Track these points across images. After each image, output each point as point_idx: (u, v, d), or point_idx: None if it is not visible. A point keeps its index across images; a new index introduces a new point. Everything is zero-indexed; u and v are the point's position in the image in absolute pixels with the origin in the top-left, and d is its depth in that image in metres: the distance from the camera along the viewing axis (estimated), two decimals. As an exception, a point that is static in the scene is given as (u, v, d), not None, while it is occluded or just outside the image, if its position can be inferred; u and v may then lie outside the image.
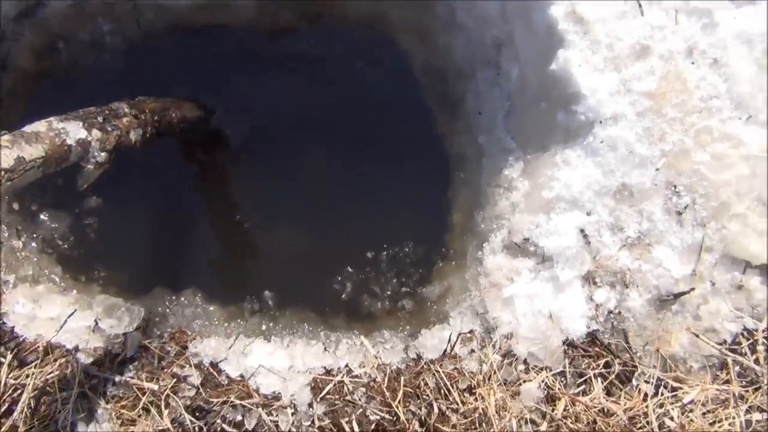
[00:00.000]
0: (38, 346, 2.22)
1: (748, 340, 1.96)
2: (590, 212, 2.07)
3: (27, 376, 2.14)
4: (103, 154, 2.26)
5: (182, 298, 2.46)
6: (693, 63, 2.04)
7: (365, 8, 2.66)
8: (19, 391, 2.12)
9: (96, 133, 2.26)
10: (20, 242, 2.54)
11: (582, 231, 2.08)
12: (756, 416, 1.88)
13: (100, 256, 2.60)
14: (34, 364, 2.18)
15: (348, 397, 2.13)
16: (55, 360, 2.20)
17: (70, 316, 2.31)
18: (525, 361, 2.05)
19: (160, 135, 2.65)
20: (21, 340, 2.23)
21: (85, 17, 2.65)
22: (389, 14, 2.70)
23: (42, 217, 2.62)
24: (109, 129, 2.33)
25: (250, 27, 2.78)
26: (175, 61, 2.78)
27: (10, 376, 2.15)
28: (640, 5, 2.06)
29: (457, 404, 1.99)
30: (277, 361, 2.25)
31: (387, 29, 2.71)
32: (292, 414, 2.12)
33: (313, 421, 2.10)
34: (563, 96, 2.11)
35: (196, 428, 2.07)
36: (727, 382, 1.92)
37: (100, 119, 2.30)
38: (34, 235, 2.57)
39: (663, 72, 2.04)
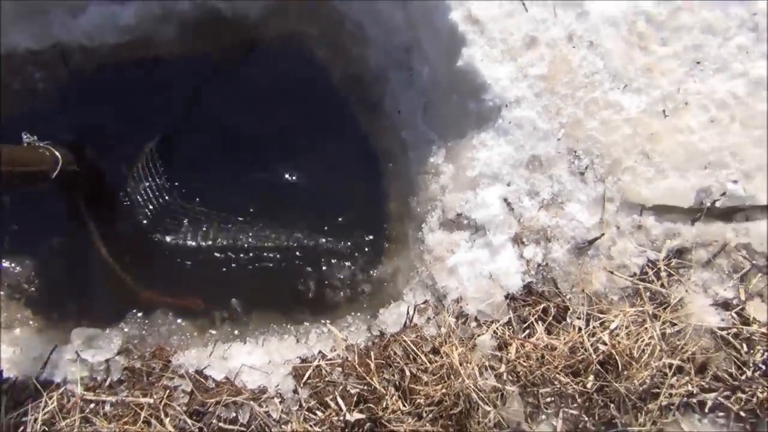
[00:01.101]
0: (29, 385, 2.36)
1: (652, 269, 2.36)
2: (509, 183, 2.42)
3: (25, 414, 2.28)
4: None
5: (155, 319, 2.64)
6: (574, 47, 2.42)
7: (282, 29, 2.90)
8: (21, 428, 2.26)
9: None
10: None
11: (505, 200, 2.42)
12: (668, 330, 2.28)
13: (64, 292, 2.73)
14: (26, 402, 2.32)
15: (327, 378, 2.39)
16: (49, 395, 2.35)
17: (51, 352, 2.46)
18: (476, 319, 2.37)
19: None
20: (12, 381, 2.35)
21: (14, 69, 2.76)
22: (306, 32, 2.96)
23: (4, 264, 2.72)
24: None
25: (175, 58, 2.95)
26: (105, 98, 2.92)
27: (8, 416, 2.28)
28: (524, 4, 2.42)
29: (425, 364, 2.29)
30: (256, 358, 2.48)
31: (304, 46, 2.95)
32: (280, 402, 2.36)
33: (300, 405, 2.35)
34: (471, 87, 2.45)
35: (196, 430, 2.28)
36: (642, 305, 2.31)
37: None
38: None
39: (551, 57, 2.42)
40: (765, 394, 2.19)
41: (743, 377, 2.22)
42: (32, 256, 2.76)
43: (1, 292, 2.66)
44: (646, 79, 2.40)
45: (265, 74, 3.01)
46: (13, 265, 2.75)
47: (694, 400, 2.25)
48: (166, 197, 2.97)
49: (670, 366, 2.22)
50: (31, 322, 2.61)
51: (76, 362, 2.44)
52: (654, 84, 2.39)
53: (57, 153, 2.68)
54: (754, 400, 2.20)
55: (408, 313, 2.45)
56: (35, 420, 2.25)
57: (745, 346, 2.26)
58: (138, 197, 2.95)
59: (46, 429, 2.25)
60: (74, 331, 2.53)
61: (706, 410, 2.25)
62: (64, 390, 2.33)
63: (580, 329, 2.29)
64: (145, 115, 2.93)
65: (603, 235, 2.36)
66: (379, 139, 2.93)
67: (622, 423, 2.20)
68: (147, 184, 2.94)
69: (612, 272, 2.36)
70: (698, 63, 2.39)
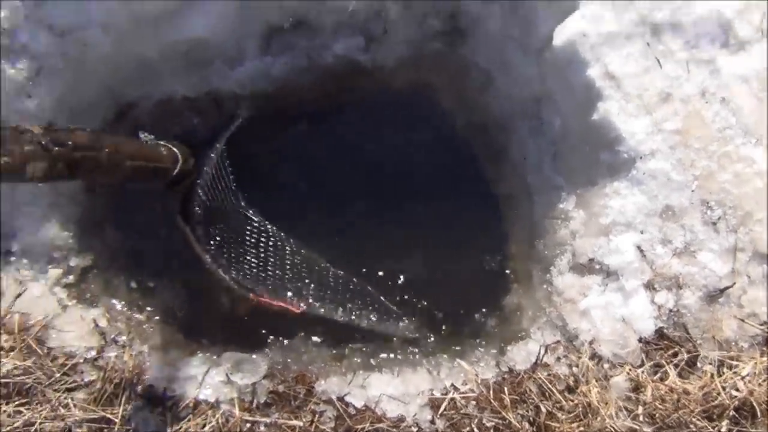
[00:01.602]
0: (189, 403, 2.56)
1: (784, 318, 2.44)
2: (643, 231, 2.54)
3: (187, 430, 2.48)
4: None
5: (297, 346, 2.83)
6: (707, 102, 2.54)
7: (409, 77, 3.09)
8: (184, 443, 2.45)
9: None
10: (143, 316, 2.88)
11: (638, 247, 2.54)
12: (800, 377, 2.34)
13: (214, 320, 2.94)
14: (187, 418, 2.53)
15: (463, 411, 2.52)
16: (203, 413, 2.54)
17: (206, 373, 2.66)
18: (609, 360, 2.48)
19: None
20: (173, 399, 2.56)
21: (172, 113, 3.03)
22: (431, 81, 3.15)
23: (158, 291, 2.96)
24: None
25: (312, 101, 3.17)
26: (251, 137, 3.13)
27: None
28: (658, 61, 2.56)
29: (561, 402, 2.41)
30: (394, 388, 2.63)
31: (430, 94, 3.14)
32: (418, 431, 2.50)
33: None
34: (605, 139, 2.59)
35: (344, 453, 2.44)
36: (774, 353, 2.39)
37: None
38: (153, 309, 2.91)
39: (685, 112, 2.54)
40: None
41: None
42: (174, 277, 2.98)
43: (156, 317, 2.89)
44: (778, 134, 2.50)
45: (393, 119, 3.21)
46: (163, 292, 2.99)
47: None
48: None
49: (804, 414, 2.28)
50: (183, 345, 2.83)
51: (227, 384, 2.64)
52: (787, 140, 2.49)
53: (177, 151, 2.79)
54: None
55: (540, 351, 2.57)
56: (200, 437, 2.45)
57: None
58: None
59: (209, 445, 2.44)
60: (224, 355, 2.74)
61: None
62: (223, 410, 2.51)
63: (712, 375, 2.37)
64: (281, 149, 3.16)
65: (734, 284, 2.45)
66: (502, 185, 3.09)
67: (756, 468, 2.27)
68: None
69: (743, 320, 2.44)
70: (831, 120, 2.48)
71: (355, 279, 3.02)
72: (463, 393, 2.57)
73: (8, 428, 2.28)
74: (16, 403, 2.35)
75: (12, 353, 2.38)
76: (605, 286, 2.57)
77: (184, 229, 2.84)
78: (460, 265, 3.11)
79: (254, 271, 3.05)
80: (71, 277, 2.79)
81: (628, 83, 2.56)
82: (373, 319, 2.86)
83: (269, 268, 3.09)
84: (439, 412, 2.53)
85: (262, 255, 3.09)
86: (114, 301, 2.84)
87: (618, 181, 2.59)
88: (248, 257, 3.07)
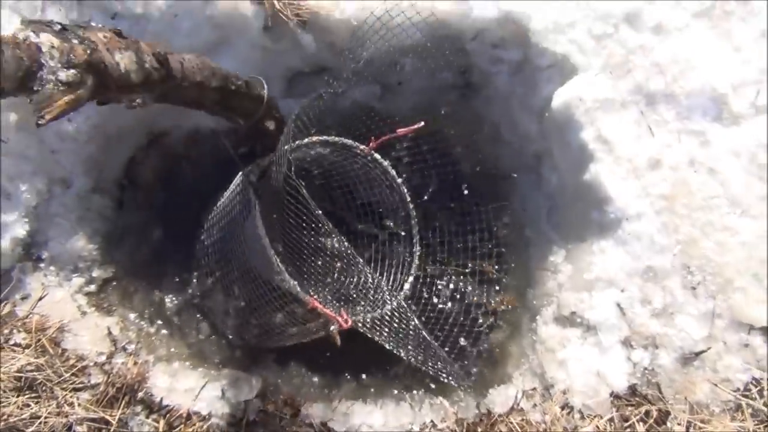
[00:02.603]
0: (182, 413, 2.75)
1: (756, 387, 2.49)
2: (623, 289, 2.64)
3: (177, 438, 2.66)
4: (69, 71, 1.76)
5: (290, 370, 3.00)
6: (695, 171, 2.64)
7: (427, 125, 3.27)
8: (174, 451, 2.64)
9: (48, 38, 1.75)
10: (153, 328, 3.09)
11: (618, 304, 2.64)
12: (767, 448, 2.39)
13: (219, 338, 3.14)
14: (178, 428, 2.71)
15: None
16: (193, 424, 2.73)
17: (202, 387, 2.85)
18: (579, 411, 2.57)
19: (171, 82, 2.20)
20: (169, 408, 2.75)
21: (201, 142, 3.27)
22: (445, 132, 3.33)
23: (168, 305, 3.19)
24: (74, 40, 1.81)
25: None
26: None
27: (162, 438, 2.67)
28: (650, 129, 2.68)
29: (530, 449, 2.51)
30: (375, 419, 2.76)
31: (442, 142, 3.31)
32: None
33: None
34: (596, 198, 2.71)
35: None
36: (743, 421, 2.44)
37: (56, 27, 1.81)
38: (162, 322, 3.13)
39: (673, 179, 2.64)
40: None
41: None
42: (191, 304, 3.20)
43: (164, 331, 3.11)
44: (763, 207, 2.57)
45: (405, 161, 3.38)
46: (174, 310, 3.21)
47: None
48: None
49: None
50: (186, 359, 3.02)
51: (221, 399, 2.81)
52: (771, 213, 2.56)
53: (266, 88, 2.73)
54: None
55: (516, 397, 2.68)
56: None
57: None
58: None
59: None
60: (223, 371, 2.93)
61: None
62: (211, 423, 2.69)
63: (679, 434, 2.43)
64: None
65: (710, 348, 2.52)
66: (503, 234, 3.22)
67: None
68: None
69: (716, 384, 2.51)
70: (816, 198, 2.55)
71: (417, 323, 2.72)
72: (438, 429, 2.69)
73: (15, 419, 2.50)
74: (26, 396, 2.58)
75: (27, 350, 2.62)
76: (584, 339, 2.67)
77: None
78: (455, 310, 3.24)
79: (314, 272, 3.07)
80: (92, 287, 3.02)
81: (620, 148, 2.69)
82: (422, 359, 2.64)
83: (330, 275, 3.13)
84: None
85: (327, 261, 3.13)
86: (129, 312, 3.06)
87: (604, 240, 2.71)
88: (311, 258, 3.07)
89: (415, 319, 2.56)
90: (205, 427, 2.66)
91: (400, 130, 2.83)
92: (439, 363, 2.51)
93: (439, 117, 3.29)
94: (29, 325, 2.70)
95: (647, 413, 2.51)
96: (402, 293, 2.81)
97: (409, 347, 2.51)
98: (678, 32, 2.71)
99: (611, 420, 2.52)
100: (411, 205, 2.99)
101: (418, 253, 2.97)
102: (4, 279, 2.83)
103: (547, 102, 2.84)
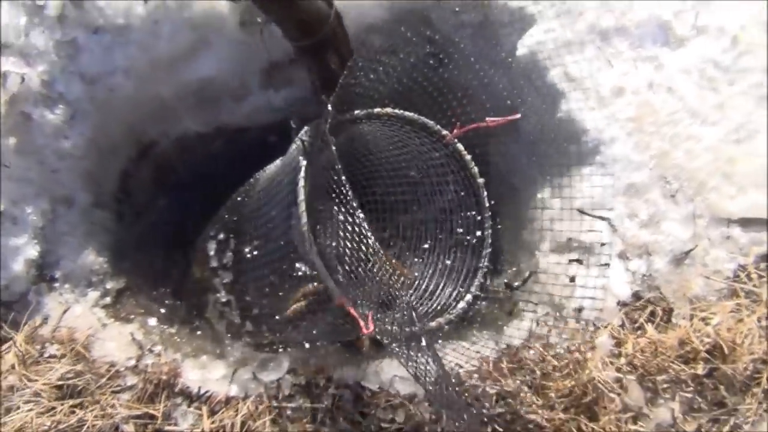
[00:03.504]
0: (221, 398, 2.84)
1: (743, 272, 2.75)
2: (611, 208, 2.87)
3: (222, 420, 2.75)
4: None
5: (316, 346, 3.12)
6: (655, 92, 2.91)
7: (396, 102, 3.45)
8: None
9: None
10: (174, 329, 3.18)
11: (609, 222, 2.87)
12: (765, 323, 2.64)
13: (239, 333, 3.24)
14: (221, 410, 2.80)
15: (467, 383, 2.80)
16: (234, 407, 2.82)
17: (234, 373, 2.95)
18: (593, 323, 2.78)
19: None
20: (207, 395, 2.84)
21: (189, 148, 3.39)
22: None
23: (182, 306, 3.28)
24: None
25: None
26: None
27: (210, 421, 2.76)
28: (609, 61, 2.94)
29: (554, 363, 2.69)
30: (403, 370, 2.91)
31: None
32: (429, 404, 2.78)
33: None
34: (572, 132, 2.95)
35: (363, 427, 2.71)
36: (739, 303, 2.69)
37: None
38: (182, 322, 3.22)
39: (636, 102, 2.91)
40: None
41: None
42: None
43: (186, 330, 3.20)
44: (719, 114, 2.86)
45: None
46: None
47: (796, 383, 2.58)
48: None
49: (769, 352, 2.57)
50: (210, 351, 3.12)
51: (253, 380, 2.92)
52: (727, 117, 2.85)
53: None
54: None
55: (532, 325, 2.87)
56: (233, 424, 2.72)
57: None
58: None
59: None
60: (251, 356, 3.03)
61: (808, 390, 2.57)
62: (253, 398, 2.79)
63: (685, 326, 2.67)
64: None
65: (696, 246, 2.77)
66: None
67: (732, 402, 2.54)
68: None
69: (708, 277, 2.76)
70: (763, 98, 2.85)
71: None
72: (465, 370, 2.86)
73: (64, 426, 2.56)
74: (70, 404, 2.64)
75: (63, 360, 2.68)
76: (584, 260, 2.88)
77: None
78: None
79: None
80: (108, 299, 3.09)
81: (585, 82, 2.94)
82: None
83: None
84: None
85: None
86: (148, 317, 3.13)
87: (585, 168, 2.94)
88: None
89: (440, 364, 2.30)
90: (248, 403, 2.76)
91: (491, 120, 2.62)
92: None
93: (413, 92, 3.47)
94: (59, 337, 2.77)
95: (653, 313, 2.74)
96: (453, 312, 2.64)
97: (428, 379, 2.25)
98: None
99: (622, 325, 2.73)
100: (489, 212, 2.80)
101: (484, 269, 2.77)
102: (21, 304, 2.89)
103: (512, 54, 3.08)
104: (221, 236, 3.14)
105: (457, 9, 3.15)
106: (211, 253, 3.12)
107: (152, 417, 2.70)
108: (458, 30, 3.23)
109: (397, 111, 2.67)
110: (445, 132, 2.73)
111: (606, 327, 2.74)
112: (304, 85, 3.33)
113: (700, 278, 2.76)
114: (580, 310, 2.81)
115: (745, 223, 2.80)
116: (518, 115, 2.62)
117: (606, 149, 2.88)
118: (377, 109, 2.63)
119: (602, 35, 2.95)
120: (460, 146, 2.77)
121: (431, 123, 2.70)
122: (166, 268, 3.33)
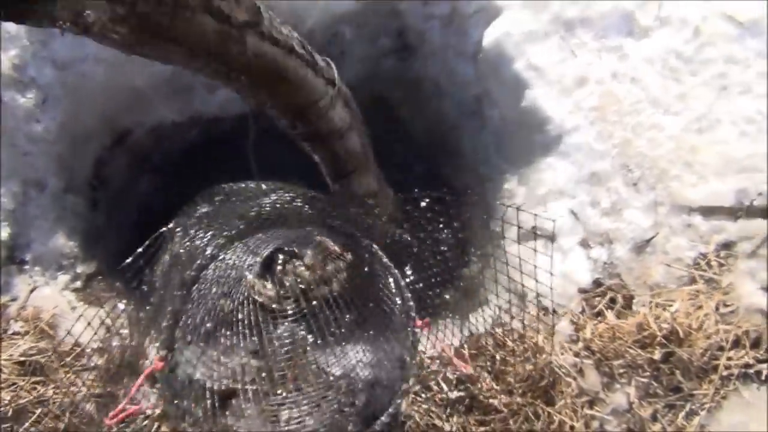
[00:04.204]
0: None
1: (704, 260, 2.75)
2: (574, 196, 2.89)
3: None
4: None
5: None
6: (619, 82, 2.94)
7: (367, 94, 3.51)
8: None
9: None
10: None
11: (572, 211, 2.89)
12: (722, 309, 2.64)
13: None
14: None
15: (428, 369, 2.81)
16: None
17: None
18: (553, 310, 2.79)
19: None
20: (171, 377, 2.86)
21: (164, 137, 3.44)
22: (389, 97, 3.58)
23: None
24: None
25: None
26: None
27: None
28: (573, 51, 2.97)
29: (513, 348, 2.70)
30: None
31: (389, 106, 3.56)
32: (390, 389, 2.79)
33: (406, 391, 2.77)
34: (536, 121, 2.98)
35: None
36: (697, 290, 2.69)
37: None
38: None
39: (600, 92, 2.94)
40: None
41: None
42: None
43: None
44: (682, 103, 2.88)
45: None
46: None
47: (752, 371, 2.58)
48: None
49: (727, 339, 2.57)
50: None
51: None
52: (689, 107, 2.87)
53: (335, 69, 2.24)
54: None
55: (494, 312, 2.88)
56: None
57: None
58: None
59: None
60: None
61: (763, 378, 2.57)
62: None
63: (644, 313, 2.67)
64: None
65: (657, 234, 2.78)
66: (459, 177, 3.46)
67: (688, 388, 2.54)
68: None
69: (668, 265, 2.76)
70: (725, 88, 2.87)
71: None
72: (428, 355, 2.87)
73: (25, 401, 2.59)
74: (32, 381, 2.67)
75: (26, 336, 2.71)
76: (547, 247, 2.90)
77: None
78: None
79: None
80: (78, 283, 3.13)
81: (549, 71, 2.97)
82: None
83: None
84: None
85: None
86: (117, 302, 3.16)
87: (549, 157, 2.97)
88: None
89: None
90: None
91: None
92: None
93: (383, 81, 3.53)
94: (25, 315, 2.80)
95: (613, 300, 2.75)
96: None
97: None
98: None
99: (582, 311, 2.75)
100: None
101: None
102: (-9, 284, 2.94)
103: (479, 44, 3.12)
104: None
105: (426, 0, 3.20)
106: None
107: (114, 396, 2.72)
108: (427, 21, 3.28)
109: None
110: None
111: (565, 313, 2.76)
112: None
113: (661, 266, 2.77)
114: (540, 297, 2.82)
115: (706, 211, 2.80)
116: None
117: (569, 138, 2.91)
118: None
119: (567, 25, 2.99)
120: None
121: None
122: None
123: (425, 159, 3.54)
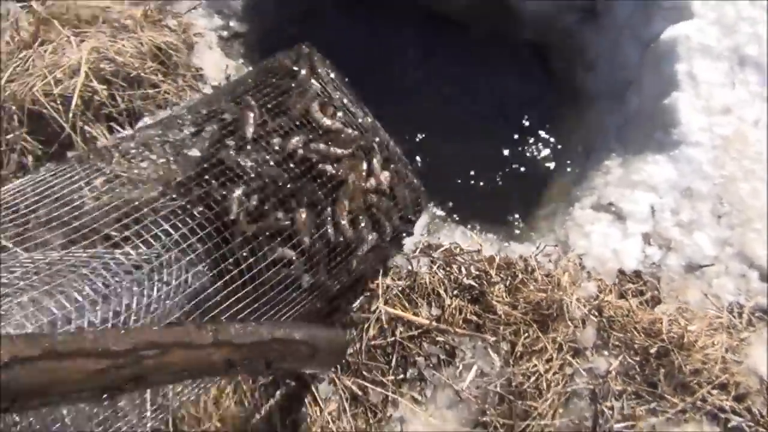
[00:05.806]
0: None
1: (738, 309, 2.87)
2: (662, 196, 3.05)
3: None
4: None
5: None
6: (757, 129, 3.08)
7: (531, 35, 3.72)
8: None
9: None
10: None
11: (652, 206, 3.05)
12: (728, 354, 2.76)
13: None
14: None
15: (458, 258, 3.01)
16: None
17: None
18: (588, 272, 2.95)
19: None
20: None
21: None
22: (552, 44, 3.78)
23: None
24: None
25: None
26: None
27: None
28: (734, 83, 3.13)
29: (537, 277, 2.88)
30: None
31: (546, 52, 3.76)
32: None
33: (432, 261, 2.98)
34: (665, 121, 3.14)
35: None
36: (719, 325, 2.81)
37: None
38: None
39: (736, 127, 3.08)
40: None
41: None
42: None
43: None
44: (798, 178, 3.00)
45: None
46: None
47: (722, 416, 2.68)
48: None
49: (718, 377, 2.69)
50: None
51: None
52: (804, 183, 2.99)
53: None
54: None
55: (536, 246, 3.06)
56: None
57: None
58: None
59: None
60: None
61: (727, 426, 2.67)
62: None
63: (663, 313, 2.81)
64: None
65: (713, 265, 2.91)
66: (572, 139, 3.65)
67: (662, 390, 2.67)
68: None
69: (706, 295, 2.89)
70: None
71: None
72: (462, 250, 3.07)
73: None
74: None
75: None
76: (612, 224, 3.07)
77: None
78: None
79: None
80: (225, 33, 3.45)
81: (703, 86, 3.13)
82: None
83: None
84: (439, 251, 3.03)
85: None
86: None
87: (660, 155, 3.13)
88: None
89: None
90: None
91: None
92: None
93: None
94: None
95: (641, 293, 2.90)
96: None
97: None
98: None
99: (613, 286, 2.90)
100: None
101: None
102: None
103: (656, 36, 3.30)
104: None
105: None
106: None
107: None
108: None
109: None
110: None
111: (597, 280, 2.92)
112: None
113: (699, 292, 2.90)
114: (581, 255, 2.99)
115: (765, 274, 2.92)
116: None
117: (686, 149, 3.07)
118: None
119: (741, 59, 3.14)
120: None
121: None
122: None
123: (555, 110, 3.75)
